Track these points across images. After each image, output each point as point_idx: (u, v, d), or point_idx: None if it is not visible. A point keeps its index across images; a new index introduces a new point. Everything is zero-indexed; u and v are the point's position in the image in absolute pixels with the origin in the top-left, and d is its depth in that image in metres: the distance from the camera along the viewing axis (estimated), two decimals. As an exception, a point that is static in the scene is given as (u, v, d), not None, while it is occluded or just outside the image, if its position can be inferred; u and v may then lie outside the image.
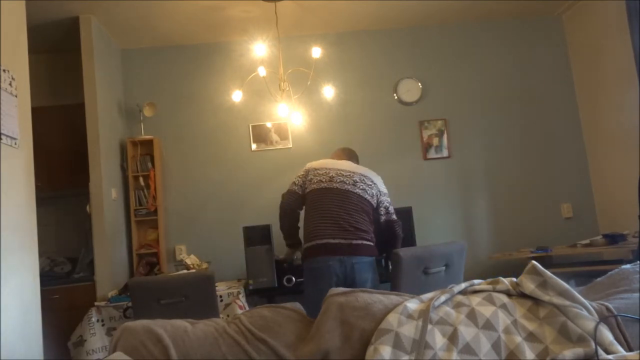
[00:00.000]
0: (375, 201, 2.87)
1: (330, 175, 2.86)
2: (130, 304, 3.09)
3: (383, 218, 2.92)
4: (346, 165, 2.96)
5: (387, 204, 2.94)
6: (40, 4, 3.45)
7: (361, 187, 2.83)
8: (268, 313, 1.40)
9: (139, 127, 4.20)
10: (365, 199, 2.82)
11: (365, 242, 2.75)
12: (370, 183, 2.88)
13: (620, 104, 3.99)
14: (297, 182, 2.97)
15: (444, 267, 2.68)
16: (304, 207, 2.97)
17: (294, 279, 3.56)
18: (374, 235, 2.83)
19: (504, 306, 1.34)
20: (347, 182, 2.83)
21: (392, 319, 1.29)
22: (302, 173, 2.98)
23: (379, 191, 2.91)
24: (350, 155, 3.17)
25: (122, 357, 1.21)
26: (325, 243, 2.70)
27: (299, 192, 2.95)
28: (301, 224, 2.99)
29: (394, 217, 2.97)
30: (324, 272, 2.67)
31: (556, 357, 1.20)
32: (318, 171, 2.90)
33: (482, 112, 4.50)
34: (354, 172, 2.89)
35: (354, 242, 2.70)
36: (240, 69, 4.35)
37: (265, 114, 4.37)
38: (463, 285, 1.44)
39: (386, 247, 2.94)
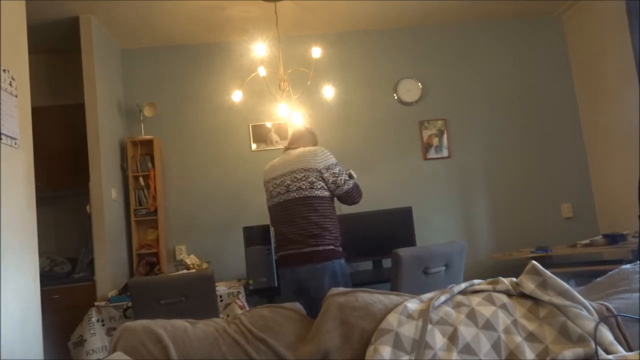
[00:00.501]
0: (319, 185, 2.70)
1: (270, 189, 2.85)
2: (130, 304, 3.09)
3: (337, 193, 2.77)
4: (280, 167, 2.83)
5: (334, 178, 2.72)
6: (40, 4, 3.46)
7: (295, 188, 2.71)
8: (268, 313, 1.40)
9: (139, 127, 4.20)
10: (305, 197, 2.69)
11: (316, 248, 2.67)
12: (303, 175, 2.70)
13: (620, 104, 3.99)
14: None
15: (444, 267, 2.68)
16: None
17: (294, 279, 3.56)
18: (334, 234, 2.73)
19: (504, 306, 1.34)
20: (282, 191, 2.76)
21: (392, 319, 1.29)
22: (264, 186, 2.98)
23: (319, 172, 2.70)
24: (296, 139, 2.96)
25: (122, 357, 1.21)
26: (281, 255, 2.80)
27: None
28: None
29: (346, 187, 2.75)
30: (285, 281, 2.80)
31: (556, 357, 1.20)
32: (267, 185, 2.90)
33: (482, 112, 4.50)
34: (284, 174, 2.77)
35: (303, 250, 2.68)
36: (240, 69, 4.35)
37: (265, 114, 4.37)
38: (463, 285, 1.44)
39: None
